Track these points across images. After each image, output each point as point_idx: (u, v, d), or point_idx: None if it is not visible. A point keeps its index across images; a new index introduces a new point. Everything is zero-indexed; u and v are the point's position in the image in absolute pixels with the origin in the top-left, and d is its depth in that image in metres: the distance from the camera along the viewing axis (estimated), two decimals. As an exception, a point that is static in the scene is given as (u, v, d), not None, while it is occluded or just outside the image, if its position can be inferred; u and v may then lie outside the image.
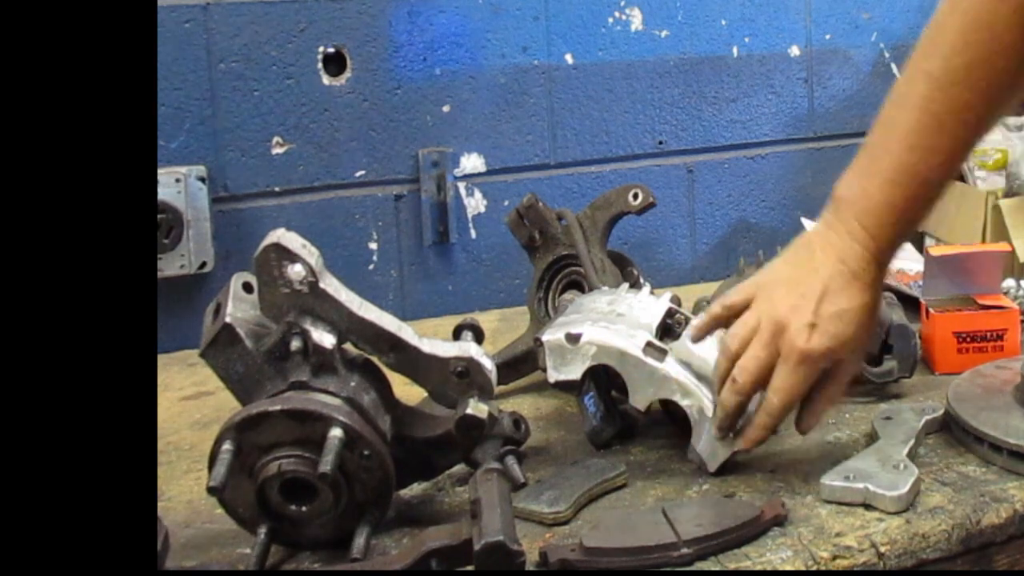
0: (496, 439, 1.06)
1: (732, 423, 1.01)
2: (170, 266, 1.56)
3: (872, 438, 1.09)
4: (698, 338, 1.05)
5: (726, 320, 1.03)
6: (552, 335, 1.08)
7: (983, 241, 1.60)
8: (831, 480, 0.98)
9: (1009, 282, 1.45)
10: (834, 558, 0.90)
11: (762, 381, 0.99)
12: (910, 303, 1.39)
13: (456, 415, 0.99)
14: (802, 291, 0.97)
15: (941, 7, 0.96)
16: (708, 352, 1.08)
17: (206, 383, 1.39)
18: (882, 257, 0.99)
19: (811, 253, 1.00)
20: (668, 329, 1.10)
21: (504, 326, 1.59)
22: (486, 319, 1.43)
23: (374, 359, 1.00)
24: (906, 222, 0.99)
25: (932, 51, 0.96)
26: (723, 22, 1.85)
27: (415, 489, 1.06)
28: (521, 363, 1.31)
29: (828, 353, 0.97)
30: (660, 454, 1.12)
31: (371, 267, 1.70)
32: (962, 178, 1.78)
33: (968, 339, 1.28)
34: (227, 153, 1.61)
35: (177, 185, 1.55)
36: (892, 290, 1.40)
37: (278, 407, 0.92)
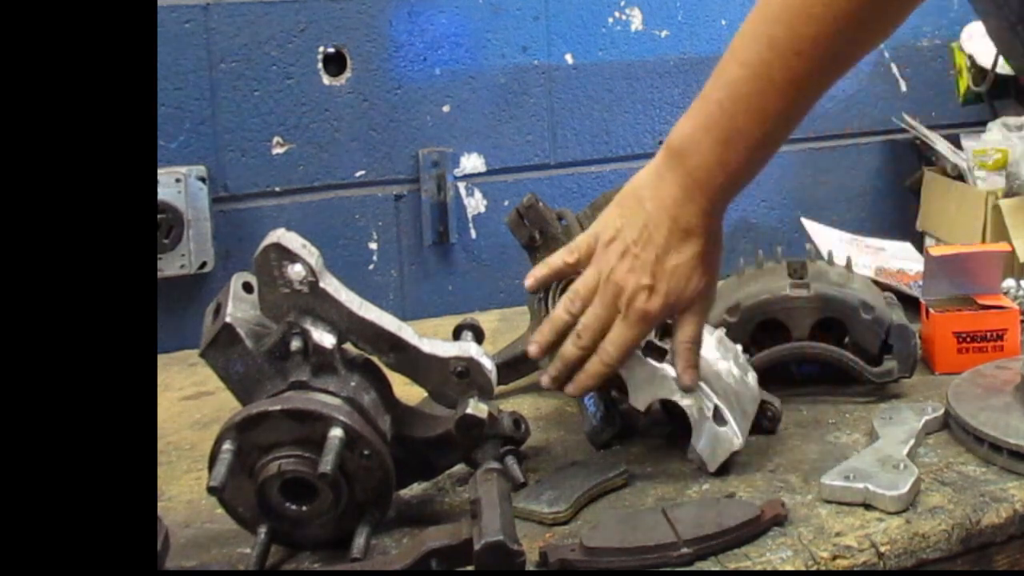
0: (496, 439, 1.05)
1: (569, 375, 1.05)
2: (170, 266, 1.56)
3: (872, 438, 1.09)
4: (535, 288, 1.10)
5: (567, 273, 1.07)
6: (552, 335, 1.08)
7: (983, 241, 1.60)
8: (831, 480, 0.99)
9: (1009, 282, 1.45)
10: (834, 558, 0.90)
11: (602, 335, 1.03)
12: (910, 303, 1.39)
13: (456, 415, 0.99)
14: (636, 252, 1.01)
15: None
16: (708, 352, 1.08)
17: (206, 383, 1.39)
18: (714, 209, 1.01)
19: (642, 207, 1.03)
20: (668, 329, 1.10)
21: (504, 326, 1.59)
22: (486, 319, 1.43)
23: (374, 359, 1.00)
24: (739, 179, 1.01)
25: (778, 15, 0.95)
26: (723, 22, 1.85)
27: (415, 489, 1.06)
28: (521, 363, 1.31)
29: (666, 309, 1.02)
30: (660, 454, 1.12)
31: (371, 267, 1.70)
32: (962, 178, 1.78)
33: (968, 339, 1.28)
34: (227, 153, 1.61)
35: (177, 185, 1.55)
36: (892, 290, 1.40)
37: (278, 407, 0.92)
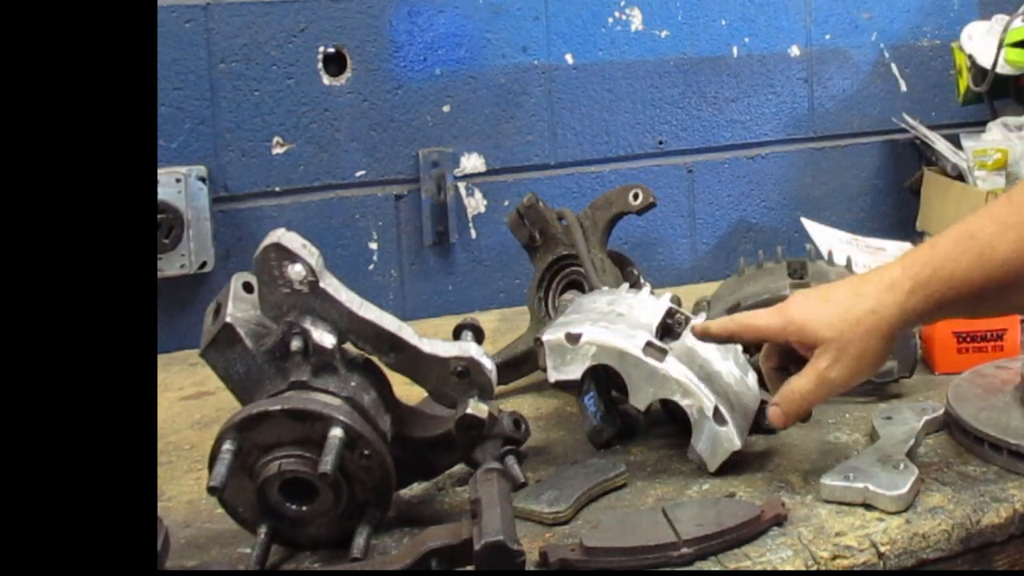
0: (496, 439, 1.06)
1: None
2: (170, 266, 1.56)
3: (872, 438, 1.09)
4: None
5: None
6: (552, 335, 1.08)
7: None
8: (831, 480, 0.98)
9: (1009, 282, 1.44)
10: (834, 558, 0.90)
11: None
12: (910, 303, 1.39)
13: (456, 415, 0.99)
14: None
15: None
16: (708, 352, 1.08)
17: (206, 383, 1.39)
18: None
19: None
20: (668, 329, 1.10)
21: (504, 326, 1.59)
22: (486, 319, 1.43)
23: (374, 359, 1.00)
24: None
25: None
26: (723, 22, 1.85)
27: (415, 489, 1.06)
28: (521, 363, 1.31)
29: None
30: (660, 454, 1.12)
31: (371, 267, 1.70)
32: (962, 178, 1.78)
33: (968, 339, 1.28)
34: (227, 153, 1.61)
35: (177, 185, 1.55)
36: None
37: (278, 407, 0.92)
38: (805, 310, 1.00)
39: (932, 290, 0.96)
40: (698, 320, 1.08)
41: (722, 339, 1.06)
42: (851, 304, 0.98)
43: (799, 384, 1.00)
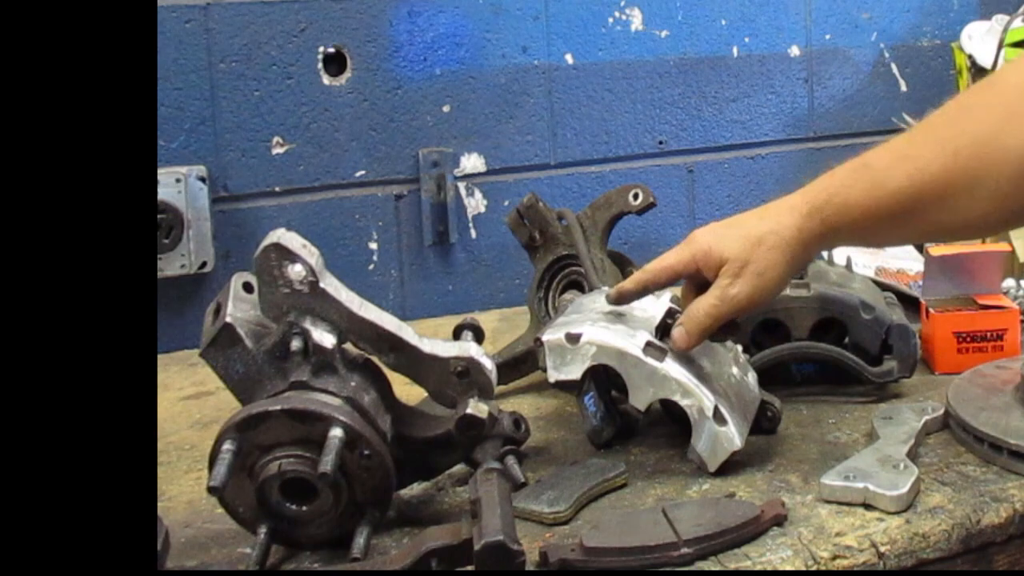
0: (496, 439, 1.06)
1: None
2: (170, 266, 1.56)
3: (872, 438, 1.09)
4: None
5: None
6: (552, 335, 1.08)
7: (983, 241, 1.60)
8: (831, 480, 0.98)
9: (1009, 282, 1.45)
10: (834, 558, 0.90)
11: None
12: (910, 303, 1.39)
13: (456, 415, 0.99)
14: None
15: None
16: (708, 352, 1.08)
17: (206, 383, 1.39)
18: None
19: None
20: (668, 329, 1.10)
21: (504, 326, 1.59)
22: (486, 319, 1.43)
23: (374, 359, 1.00)
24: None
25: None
26: (723, 22, 1.85)
27: (415, 489, 1.06)
28: (521, 363, 1.31)
29: None
30: (660, 454, 1.12)
31: (371, 267, 1.70)
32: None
33: (968, 339, 1.28)
34: (227, 153, 1.61)
35: (177, 185, 1.55)
36: (892, 290, 1.40)
37: (278, 407, 0.92)
38: (710, 236, 1.04)
39: (827, 214, 1.01)
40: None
41: (639, 292, 1.09)
42: (752, 226, 1.03)
43: (703, 302, 1.04)
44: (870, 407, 1.19)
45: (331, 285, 0.97)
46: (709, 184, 1.87)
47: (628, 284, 1.09)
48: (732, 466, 1.05)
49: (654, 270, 1.08)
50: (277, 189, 1.64)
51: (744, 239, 1.02)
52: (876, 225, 1.01)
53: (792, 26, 1.89)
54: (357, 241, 1.68)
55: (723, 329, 1.05)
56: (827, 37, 1.92)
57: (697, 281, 1.06)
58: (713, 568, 0.89)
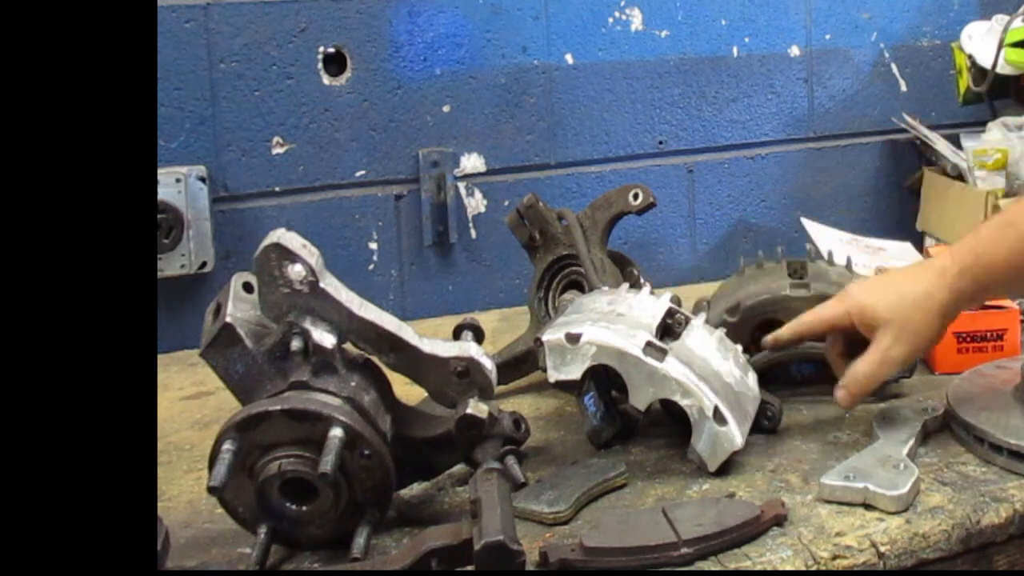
0: (496, 439, 1.06)
1: None
2: (170, 266, 1.56)
3: (872, 438, 1.09)
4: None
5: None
6: (552, 335, 1.08)
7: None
8: (831, 480, 0.99)
9: (1009, 282, 1.44)
10: (834, 558, 0.90)
11: None
12: (910, 303, 1.39)
13: (456, 415, 0.99)
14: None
15: None
16: (708, 352, 1.08)
17: (206, 383, 1.39)
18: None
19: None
20: (668, 329, 1.10)
21: (504, 326, 1.59)
22: (486, 319, 1.43)
23: (374, 359, 1.00)
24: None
25: None
26: (723, 22, 1.85)
27: (415, 489, 1.06)
28: (521, 363, 1.31)
29: None
30: (660, 454, 1.12)
31: (371, 267, 1.70)
32: (962, 178, 1.78)
33: (968, 339, 1.28)
34: (227, 153, 1.61)
35: (177, 185, 1.55)
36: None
37: (278, 407, 0.92)
38: (866, 294, 1.10)
39: (976, 274, 1.06)
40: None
41: (795, 341, 1.15)
42: (908, 288, 1.09)
43: (863, 365, 1.09)
44: (870, 407, 1.19)
45: (331, 285, 0.97)
46: (709, 184, 1.87)
47: (785, 333, 1.15)
48: (732, 466, 1.05)
49: (810, 321, 1.13)
50: (277, 189, 1.64)
51: (900, 301, 1.08)
52: (1018, 274, 1.06)
53: (792, 26, 1.89)
54: (357, 241, 1.68)
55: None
56: (827, 37, 1.92)
57: (848, 335, 1.12)
58: (713, 568, 0.89)
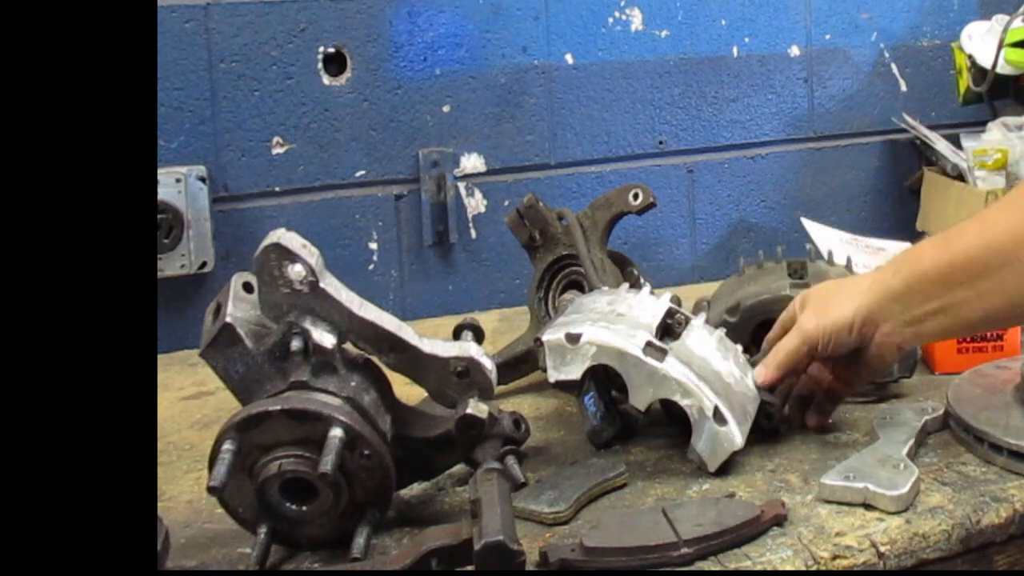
0: (496, 439, 1.06)
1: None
2: (170, 266, 1.56)
3: (872, 438, 1.09)
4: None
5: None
6: (552, 335, 1.08)
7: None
8: (831, 480, 0.99)
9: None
10: (834, 558, 0.90)
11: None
12: (910, 303, 1.39)
13: (456, 415, 0.99)
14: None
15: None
16: (708, 352, 1.08)
17: (206, 383, 1.39)
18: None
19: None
20: (668, 329, 1.10)
21: (504, 326, 1.59)
22: (486, 319, 1.43)
23: (374, 359, 1.00)
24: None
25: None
26: (723, 22, 1.85)
27: (415, 489, 1.06)
28: (521, 363, 1.31)
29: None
30: (660, 454, 1.12)
31: (371, 267, 1.70)
32: (962, 178, 1.78)
33: (968, 339, 1.28)
34: (227, 153, 1.61)
35: (177, 185, 1.55)
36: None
37: (278, 407, 0.92)
38: (813, 312, 1.09)
39: (899, 266, 1.06)
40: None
41: (780, 379, 1.12)
42: (843, 280, 1.13)
43: (782, 340, 1.10)
44: (870, 407, 1.19)
45: (331, 285, 0.97)
46: (709, 184, 1.87)
47: (772, 376, 1.12)
48: (732, 466, 1.05)
49: (787, 360, 1.12)
50: (277, 189, 1.64)
51: (827, 286, 1.12)
52: (946, 281, 1.02)
53: (792, 26, 1.89)
54: (357, 241, 1.69)
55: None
56: (827, 37, 1.92)
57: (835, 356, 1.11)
58: (713, 568, 0.89)
